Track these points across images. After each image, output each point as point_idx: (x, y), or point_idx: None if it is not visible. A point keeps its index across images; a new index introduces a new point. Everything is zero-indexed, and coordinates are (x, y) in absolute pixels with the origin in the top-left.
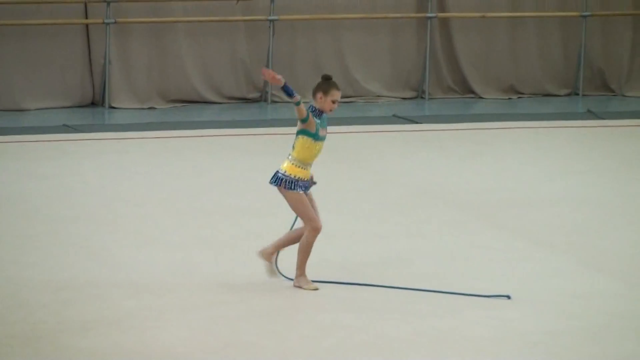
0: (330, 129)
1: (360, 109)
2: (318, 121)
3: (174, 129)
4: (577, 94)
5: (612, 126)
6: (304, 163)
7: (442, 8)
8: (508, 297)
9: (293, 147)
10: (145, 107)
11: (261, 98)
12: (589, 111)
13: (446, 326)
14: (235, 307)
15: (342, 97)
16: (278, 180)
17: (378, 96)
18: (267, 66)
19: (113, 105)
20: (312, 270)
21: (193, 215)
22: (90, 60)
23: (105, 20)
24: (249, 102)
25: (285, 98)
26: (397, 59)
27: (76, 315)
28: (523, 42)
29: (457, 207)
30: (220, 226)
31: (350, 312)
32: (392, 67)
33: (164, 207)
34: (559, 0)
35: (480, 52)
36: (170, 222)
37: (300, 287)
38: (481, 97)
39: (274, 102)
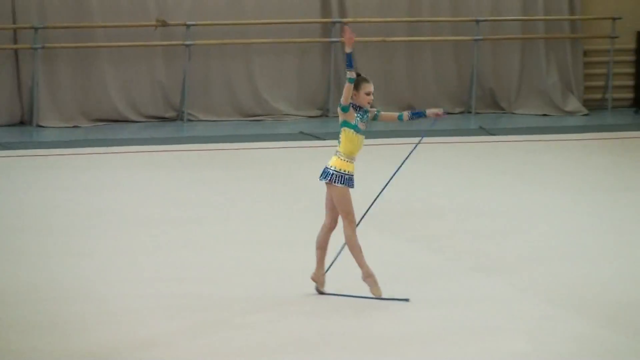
0: (240, 145)
1: (269, 126)
2: (358, 116)
3: (98, 145)
4: (470, 112)
5: (502, 141)
6: (350, 157)
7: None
8: (407, 300)
9: (339, 142)
10: (70, 125)
11: (178, 117)
12: (480, 128)
13: (351, 325)
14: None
15: (252, 115)
16: (328, 175)
17: (286, 115)
18: (183, 88)
19: (40, 124)
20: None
21: (118, 225)
22: (19, 82)
23: (33, 46)
24: (166, 120)
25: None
26: (303, 80)
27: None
28: (420, 64)
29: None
30: (143, 235)
31: (258, 313)
32: (298, 88)
33: (92, 218)
34: (452, 25)
35: (381, 74)
36: (96, 231)
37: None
38: None
39: (189, 120)
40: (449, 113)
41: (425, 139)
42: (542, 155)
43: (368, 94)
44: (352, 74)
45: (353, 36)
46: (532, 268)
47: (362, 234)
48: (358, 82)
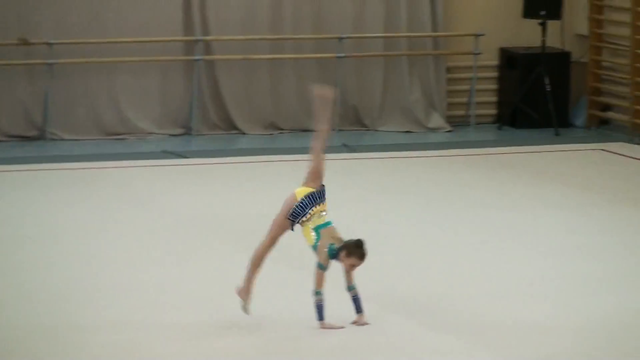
0: (98, 164)
1: (132, 145)
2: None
3: None
4: (334, 130)
5: (366, 158)
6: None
7: (208, 51)
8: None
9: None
10: None
11: (40, 136)
12: (344, 145)
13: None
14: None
15: (115, 133)
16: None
17: (149, 133)
18: (45, 107)
19: None
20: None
21: None
22: None
23: None
24: (28, 139)
25: None
26: (166, 98)
27: None
28: (283, 82)
29: (225, 235)
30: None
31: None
32: (161, 106)
33: None
34: (315, 42)
35: (244, 91)
36: None
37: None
38: (244, 133)
39: (52, 139)
40: (312, 130)
41: (288, 157)
42: (406, 172)
43: (352, 266)
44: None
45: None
46: (394, 284)
47: (221, 252)
48: (352, 253)
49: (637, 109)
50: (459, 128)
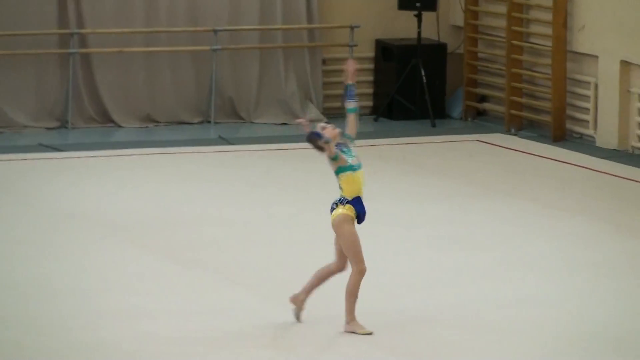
0: None
1: (8, 138)
2: (345, 153)
3: None
4: (210, 122)
5: (242, 151)
6: (354, 196)
7: (83, 44)
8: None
9: (341, 189)
10: None
11: None
12: (220, 137)
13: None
14: None
15: None
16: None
17: (24, 126)
18: None
19: None
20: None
21: None
22: None
23: None
24: None
25: None
26: (41, 91)
27: None
28: (158, 74)
29: (102, 228)
30: None
31: None
32: (37, 99)
33: None
34: (190, 35)
35: (119, 84)
36: None
37: (354, 332)
38: (120, 126)
39: None
40: (188, 123)
41: (164, 150)
42: (282, 164)
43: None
44: (352, 104)
45: (355, 67)
46: (273, 275)
47: (99, 246)
48: (314, 139)
49: (513, 100)
50: (336, 120)
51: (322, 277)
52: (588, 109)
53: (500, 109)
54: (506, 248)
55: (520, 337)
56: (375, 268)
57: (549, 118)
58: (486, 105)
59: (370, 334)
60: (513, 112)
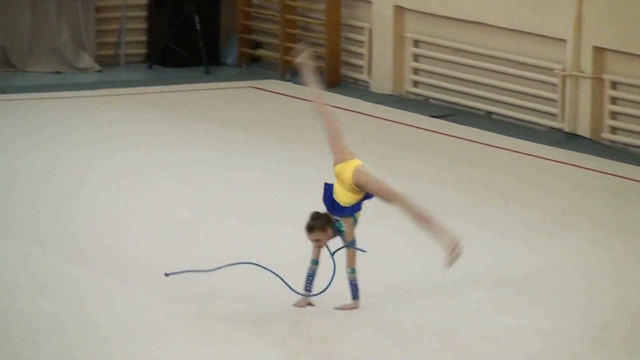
0: None
1: None
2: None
3: None
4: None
5: (16, 100)
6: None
7: None
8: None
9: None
10: None
11: None
12: None
13: None
14: None
15: None
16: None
17: None
18: None
19: None
20: None
21: None
22: None
23: None
24: None
25: None
26: None
27: None
28: None
29: None
30: None
31: None
32: None
33: None
34: None
35: None
36: None
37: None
38: None
39: None
40: None
41: None
42: (58, 113)
43: (314, 240)
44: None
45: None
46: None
47: None
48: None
49: (287, 46)
50: (109, 68)
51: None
52: (363, 55)
53: (275, 55)
54: (277, 194)
55: None
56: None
57: (324, 64)
58: (260, 52)
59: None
60: (287, 58)
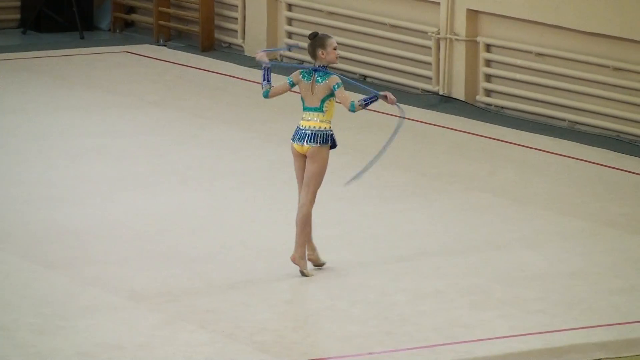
0: None
1: None
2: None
3: None
4: None
5: None
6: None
7: None
8: None
9: (324, 112)
10: None
11: None
12: None
13: None
14: None
15: None
16: (325, 138)
17: None
18: None
19: None
20: None
21: None
22: None
23: None
24: None
25: None
26: None
27: None
28: None
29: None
30: None
31: None
32: None
33: None
34: None
35: None
36: None
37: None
38: None
39: None
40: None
41: None
42: None
43: (335, 48)
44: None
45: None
46: None
47: None
48: (323, 39)
49: (161, 11)
50: None
51: (304, 222)
52: (236, 19)
53: (149, 19)
54: (153, 158)
55: None
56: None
57: (198, 28)
58: (134, 17)
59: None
60: (161, 22)
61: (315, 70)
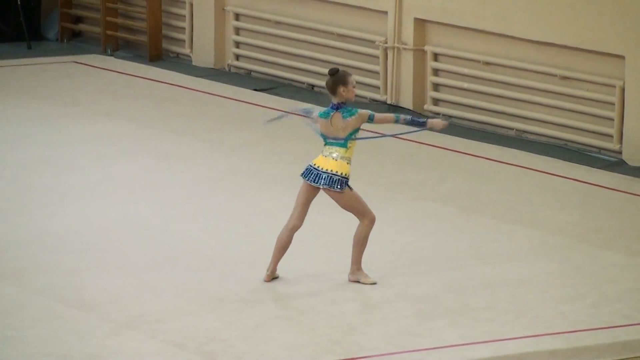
0: None
1: None
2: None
3: None
4: None
5: None
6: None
7: None
8: None
9: (347, 147)
10: None
11: None
12: None
13: None
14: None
15: None
16: (341, 184)
17: None
18: None
19: None
20: None
21: None
22: None
23: None
24: None
25: None
26: None
27: None
28: None
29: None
30: None
31: None
32: None
33: None
34: None
35: None
36: None
37: (358, 281)
38: None
39: None
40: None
41: None
42: None
43: (354, 86)
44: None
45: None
46: None
47: None
48: (345, 77)
49: (109, 21)
50: None
51: (286, 245)
52: (184, 28)
53: (97, 29)
54: (102, 168)
55: None
56: None
57: (145, 38)
58: (82, 26)
59: (374, 283)
60: (109, 32)
61: (338, 108)
